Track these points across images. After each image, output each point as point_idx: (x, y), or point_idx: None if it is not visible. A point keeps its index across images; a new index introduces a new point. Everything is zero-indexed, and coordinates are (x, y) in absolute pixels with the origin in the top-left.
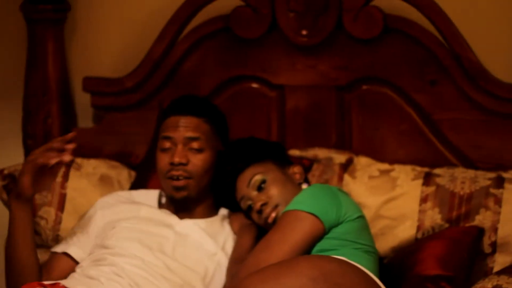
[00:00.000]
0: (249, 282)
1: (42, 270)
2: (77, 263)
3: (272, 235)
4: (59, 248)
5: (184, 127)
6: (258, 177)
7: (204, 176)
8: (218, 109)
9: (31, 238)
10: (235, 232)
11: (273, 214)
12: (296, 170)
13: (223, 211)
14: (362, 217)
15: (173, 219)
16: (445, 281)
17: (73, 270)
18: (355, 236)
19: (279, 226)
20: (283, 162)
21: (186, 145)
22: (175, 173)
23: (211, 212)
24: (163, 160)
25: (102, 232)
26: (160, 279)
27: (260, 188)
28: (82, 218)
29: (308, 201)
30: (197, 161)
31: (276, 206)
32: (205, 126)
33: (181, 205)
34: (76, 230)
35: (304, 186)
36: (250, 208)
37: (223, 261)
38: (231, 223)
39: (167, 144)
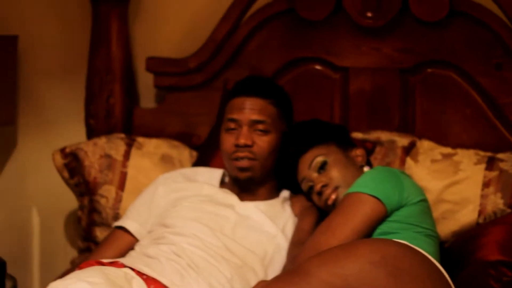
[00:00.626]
0: (309, 265)
1: (102, 246)
2: (135, 238)
3: (334, 217)
4: (117, 223)
5: (250, 109)
6: (319, 159)
7: (268, 158)
8: (284, 91)
9: None
10: (296, 215)
11: (333, 196)
12: (358, 152)
13: (285, 193)
14: (424, 200)
15: (234, 199)
16: (505, 267)
17: (132, 247)
18: (417, 219)
19: (341, 209)
20: (346, 144)
21: (251, 127)
22: (240, 154)
23: (273, 194)
24: (228, 141)
25: (163, 210)
26: (220, 259)
27: (321, 170)
28: (143, 194)
29: (370, 183)
30: (262, 143)
31: (336, 188)
32: (271, 108)
33: (244, 186)
34: (136, 205)
35: (366, 169)
36: (311, 189)
37: (283, 244)
38: (292, 205)
39: (232, 125)
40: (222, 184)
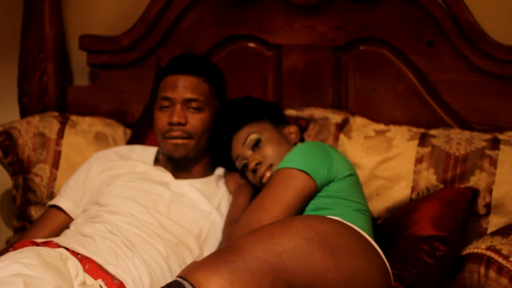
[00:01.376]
0: (243, 242)
1: (36, 225)
2: (70, 217)
3: (265, 194)
4: (51, 202)
5: (183, 87)
6: (253, 136)
7: (202, 135)
8: (217, 68)
9: None
10: (230, 192)
11: (268, 174)
12: (292, 130)
13: (219, 171)
14: (353, 175)
15: (168, 177)
16: (439, 241)
17: (67, 226)
18: (348, 194)
19: (271, 185)
20: (279, 121)
21: (184, 105)
22: (173, 133)
23: (207, 171)
24: (161, 120)
25: (97, 188)
26: (155, 237)
27: (255, 147)
28: (77, 172)
29: (299, 158)
30: (196, 121)
31: (270, 166)
32: (204, 85)
33: (178, 165)
34: (69, 184)
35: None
36: (245, 167)
37: (218, 221)
38: (226, 183)
39: (166, 104)
40: (156, 162)
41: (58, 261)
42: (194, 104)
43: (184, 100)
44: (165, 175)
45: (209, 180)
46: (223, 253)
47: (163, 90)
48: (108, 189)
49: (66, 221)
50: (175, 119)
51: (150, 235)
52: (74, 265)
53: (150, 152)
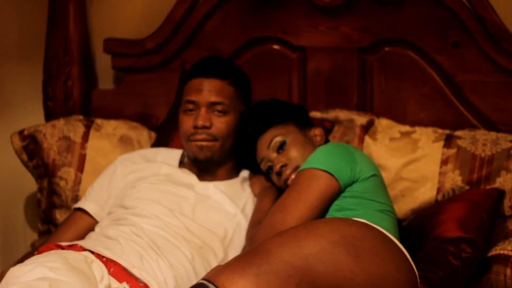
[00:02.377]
0: (269, 245)
1: (61, 228)
2: (95, 220)
3: (288, 195)
4: (76, 205)
5: (208, 91)
6: (278, 139)
7: (227, 138)
8: (242, 71)
9: None
10: (255, 195)
11: (293, 176)
12: (317, 132)
13: (244, 173)
14: (377, 175)
15: (193, 179)
16: (465, 243)
17: (92, 228)
18: (373, 194)
19: (295, 186)
20: (304, 124)
21: (209, 108)
22: (198, 136)
23: (232, 174)
24: (186, 123)
25: (122, 191)
26: (180, 239)
27: (280, 150)
28: (102, 175)
29: (322, 159)
30: (220, 124)
31: (296, 168)
32: (229, 88)
33: (203, 167)
34: (94, 187)
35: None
36: (270, 169)
37: (243, 223)
38: (251, 185)
39: (191, 107)
40: (181, 164)
41: (83, 264)
42: (219, 107)
43: (209, 103)
44: (190, 177)
45: (234, 182)
46: (249, 255)
47: (188, 93)
48: (133, 192)
49: (91, 224)
50: (200, 123)
51: (176, 237)
52: (99, 268)
53: (175, 154)
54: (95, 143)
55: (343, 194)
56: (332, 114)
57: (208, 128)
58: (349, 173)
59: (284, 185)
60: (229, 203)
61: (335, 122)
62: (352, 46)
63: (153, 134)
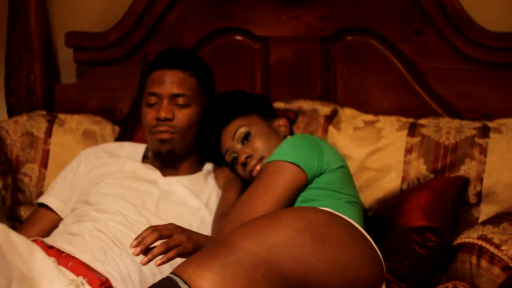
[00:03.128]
0: (233, 236)
1: (25, 225)
2: (59, 216)
3: (255, 187)
4: (40, 200)
5: (170, 83)
6: (242, 130)
7: (189, 130)
8: (204, 63)
9: None
10: (220, 187)
11: (258, 167)
12: (281, 123)
13: (208, 166)
14: (344, 167)
15: (156, 175)
16: (430, 232)
17: (56, 224)
18: (338, 186)
19: (262, 178)
20: (268, 115)
21: (172, 100)
22: (160, 128)
23: (196, 168)
24: (149, 115)
25: (85, 187)
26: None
27: (244, 141)
28: (65, 170)
29: (289, 151)
30: (183, 116)
31: (261, 159)
32: (191, 80)
33: (166, 160)
34: (58, 182)
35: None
36: (235, 161)
37: (207, 217)
38: (216, 178)
39: (153, 99)
40: (145, 159)
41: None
42: (181, 100)
43: (171, 95)
44: (154, 173)
45: (198, 176)
46: (214, 248)
47: (150, 85)
48: (96, 188)
49: (56, 220)
50: (162, 115)
51: (138, 233)
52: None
53: (139, 149)
54: (58, 139)
55: (310, 185)
56: (295, 105)
57: (171, 120)
58: (316, 165)
59: (250, 176)
60: (192, 198)
61: (299, 112)
62: (315, 35)
63: (117, 128)
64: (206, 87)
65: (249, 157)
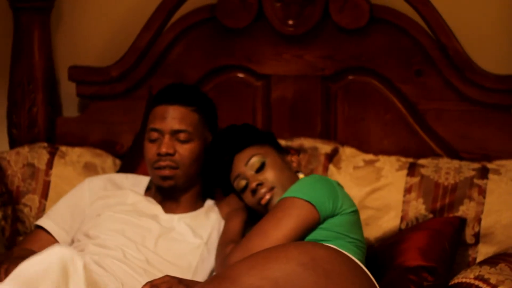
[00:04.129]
0: (238, 269)
1: (22, 245)
2: (56, 240)
3: (268, 220)
4: (39, 222)
5: (172, 118)
6: (257, 158)
7: (191, 165)
8: (207, 97)
9: None
10: (223, 217)
11: (268, 196)
12: (293, 158)
13: (209, 202)
14: (356, 212)
15: (158, 210)
16: (426, 271)
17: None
18: (348, 229)
19: (275, 212)
20: (280, 149)
21: (173, 136)
22: (162, 163)
23: (197, 203)
24: (150, 151)
25: (87, 218)
26: (141, 273)
27: (259, 170)
28: (68, 196)
29: (306, 189)
30: (184, 151)
31: (271, 189)
32: (193, 115)
33: (167, 195)
34: (60, 208)
35: (301, 175)
36: (244, 188)
37: (206, 255)
38: (220, 208)
39: (155, 135)
40: (148, 191)
41: None
42: (182, 136)
43: (172, 131)
44: (155, 208)
45: (199, 213)
46: (218, 280)
47: (152, 121)
48: (97, 220)
49: (52, 242)
50: (164, 150)
51: (137, 271)
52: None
53: (142, 181)
54: (59, 170)
55: (321, 226)
56: (296, 142)
57: (172, 155)
58: (330, 206)
59: (257, 204)
60: (192, 236)
61: (299, 150)
62: (316, 74)
63: (118, 161)
64: (209, 122)
65: (260, 184)
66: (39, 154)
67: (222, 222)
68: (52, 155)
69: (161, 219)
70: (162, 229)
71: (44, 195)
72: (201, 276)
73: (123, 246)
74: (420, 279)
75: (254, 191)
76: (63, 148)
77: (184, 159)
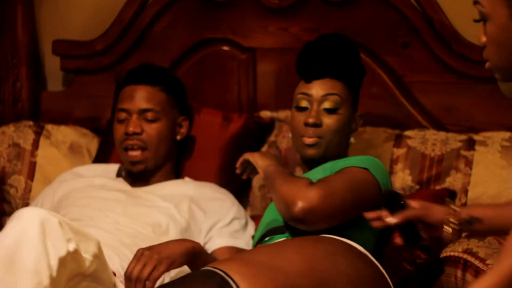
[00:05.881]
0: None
1: None
2: None
3: (343, 179)
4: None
5: (139, 98)
6: (336, 101)
7: (159, 145)
8: (175, 78)
9: None
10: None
11: (311, 140)
12: (359, 121)
13: (186, 179)
14: None
15: (126, 186)
16: (420, 249)
17: None
18: None
19: (350, 177)
20: (356, 102)
21: (141, 115)
22: (129, 142)
23: (169, 177)
24: (119, 131)
25: (56, 204)
26: (112, 230)
27: (327, 111)
28: (43, 193)
29: (379, 171)
30: (152, 130)
31: (321, 138)
32: (161, 95)
33: (138, 176)
34: (37, 202)
35: (352, 139)
36: (300, 108)
37: (177, 216)
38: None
39: (123, 115)
40: (118, 175)
41: None
42: (149, 115)
43: (139, 110)
44: (123, 185)
45: (170, 184)
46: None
47: (121, 101)
48: (66, 202)
49: None
50: (131, 129)
51: (108, 230)
52: None
53: (113, 167)
54: (45, 151)
55: None
56: (282, 114)
57: (139, 134)
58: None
59: (298, 128)
60: (161, 201)
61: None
62: (301, 46)
63: None
64: (177, 102)
65: (317, 126)
66: (24, 134)
67: (198, 198)
68: (37, 134)
69: (129, 191)
70: (130, 198)
71: (30, 176)
72: (173, 235)
73: (91, 215)
74: (413, 257)
75: (306, 124)
76: (48, 127)
77: (151, 139)
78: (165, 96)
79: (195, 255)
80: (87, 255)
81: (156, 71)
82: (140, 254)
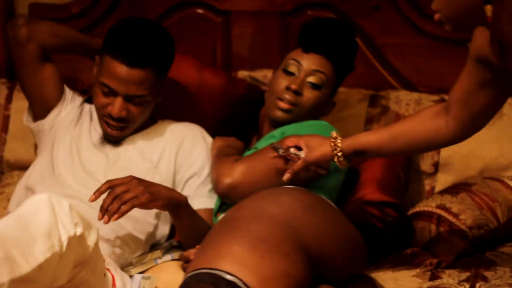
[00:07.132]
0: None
1: None
2: None
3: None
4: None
5: (129, 83)
6: (322, 78)
7: (141, 120)
8: (166, 43)
9: None
10: (213, 147)
11: (287, 106)
12: (332, 107)
13: (165, 122)
14: None
15: (105, 145)
16: (390, 207)
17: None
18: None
19: None
20: (337, 86)
21: (127, 99)
22: (110, 122)
23: (146, 125)
24: (100, 101)
25: (46, 135)
26: (95, 205)
27: (312, 85)
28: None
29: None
30: (137, 110)
31: (296, 105)
32: (151, 75)
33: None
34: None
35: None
36: (287, 72)
37: (157, 179)
38: (215, 141)
39: (107, 90)
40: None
41: None
42: (137, 100)
43: (128, 96)
44: (103, 142)
45: (150, 131)
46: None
47: (107, 76)
48: (50, 155)
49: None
50: (116, 113)
51: (91, 205)
52: None
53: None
54: (18, 104)
55: None
56: (259, 73)
57: (123, 117)
58: None
59: (276, 93)
60: (141, 161)
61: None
62: (276, 9)
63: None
64: (166, 73)
65: (297, 93)
66: None
67: (174, 147)
68: (11, 90)
69: (110, 153)
70: (109, 161)
71: (4, 129)
72: None
73: (72, 184)
74: (384, 215)
75: (288, 88)
76: None
77: (135, 118)
78: (155, 75)
79: (179, 205)
80: (90, 242)
81: (148, 44)
82: (129, 180)
